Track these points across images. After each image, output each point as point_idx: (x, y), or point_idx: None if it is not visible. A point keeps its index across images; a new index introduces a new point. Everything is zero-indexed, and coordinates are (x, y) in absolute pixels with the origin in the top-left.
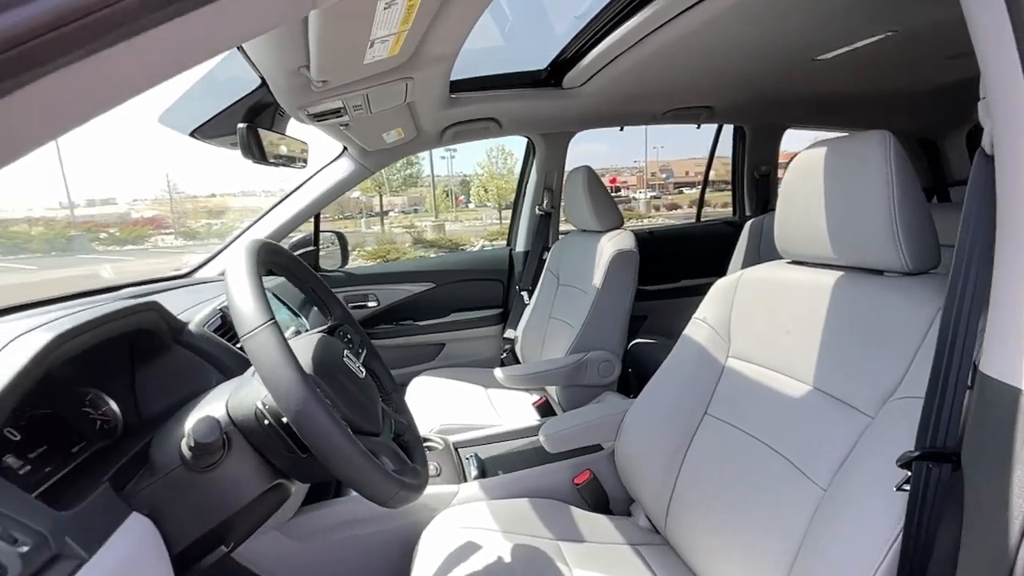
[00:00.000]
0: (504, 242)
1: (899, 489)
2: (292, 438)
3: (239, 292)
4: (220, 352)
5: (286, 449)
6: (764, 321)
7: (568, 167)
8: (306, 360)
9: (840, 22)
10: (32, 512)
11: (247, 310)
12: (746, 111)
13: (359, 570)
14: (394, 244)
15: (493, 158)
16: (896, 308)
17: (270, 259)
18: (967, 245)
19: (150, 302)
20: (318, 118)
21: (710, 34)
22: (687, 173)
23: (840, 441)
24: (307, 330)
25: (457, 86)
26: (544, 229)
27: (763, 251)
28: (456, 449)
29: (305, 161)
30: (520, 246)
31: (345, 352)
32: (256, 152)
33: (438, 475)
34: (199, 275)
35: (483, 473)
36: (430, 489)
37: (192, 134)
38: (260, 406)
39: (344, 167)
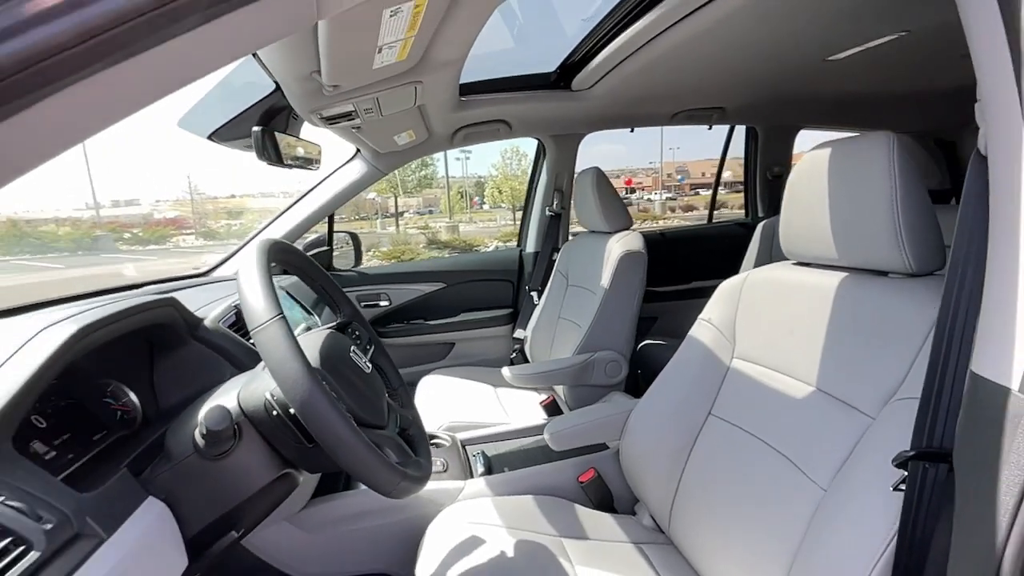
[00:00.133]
0: (517, 242)
1: (896, 489)
2: (299, 428)
3: (250, 288)
4: (234, 347)
5: (294, 439)
6: (769, 322)
7: (584, 168)
8: (313, 354)
9: (850, 22)
10: (56, 493)
11: (257, 305)
12: (758, 112)
13: (366, 561)
14: (408, 245)
15: (507, 159)
16: (898, 309)
17: (282, 258)
18: (963, 247)
19: (168, 298)
20: (330, 121)
21: (719, 35)
22: (703, 174)
23: (841, 442)
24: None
25: (467, 89)
26: (554, 230)
27: (775, 253)
28: (463, 446)
29: (319, 163)
30: (530, 247)
31: (352, 348)
32: (271, 154)
33: (445, 471)
34: (216, 274)
35: (489, 470)
36: (437, 484)
37: (210, 137)
38: (269, 397)
39: (357, 169)
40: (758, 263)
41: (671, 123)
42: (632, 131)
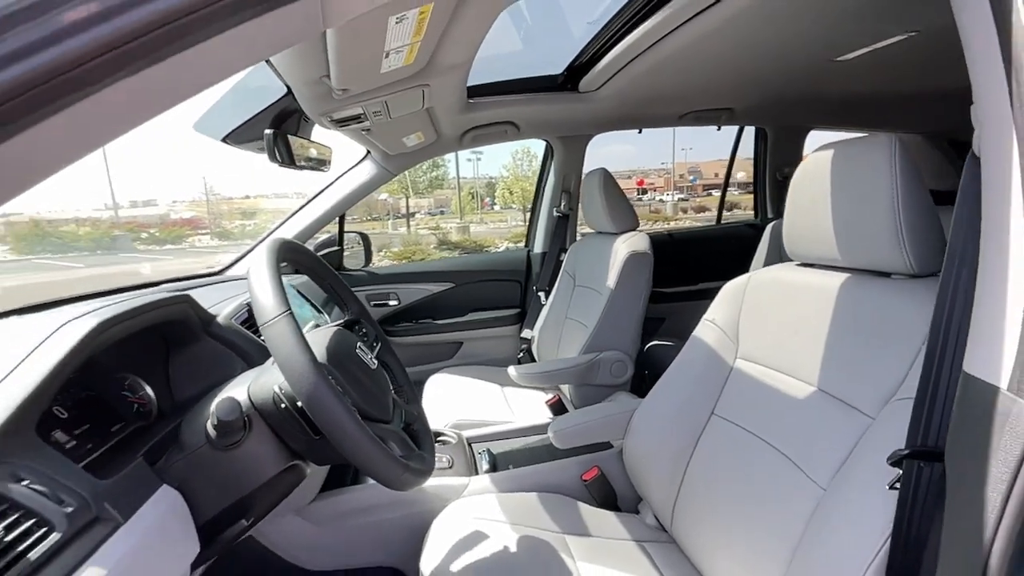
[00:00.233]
0: (525, 243)
1: (891, 487)
2: (306, 421)
3: (259, 286)
4: (245, 343)
5: (301, 431)
6: (772, 323)
7: (603, 167)
8: (320, 350)
9: (859, 23)
10: (77, 479)
11: (266, 302)
12: (767, 113)
13: (372, 554)
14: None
15: (518, 160)
16: (898, 310)
17: (291, 257)
18: (958, 247)
19: (183, 296)
20: (340, 124)
21: (725, 36)
22: (716, 175)
23: (841, 441)
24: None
25: (475, 91)
26: (561, 231)
27: (784, 254)
28: (469, 443)
29: (329, 164)
30: (538, 247)
31: (358, 344)
32: (282, 156)
33: (450, 467)
34: (229, 273)
35: (494, 467)
36: (442, 480)
37: (224, 139)
38: (277, 390)
39: (367, 170)
40: (767, 264)
41: (679, 124)
42: (640, 132)
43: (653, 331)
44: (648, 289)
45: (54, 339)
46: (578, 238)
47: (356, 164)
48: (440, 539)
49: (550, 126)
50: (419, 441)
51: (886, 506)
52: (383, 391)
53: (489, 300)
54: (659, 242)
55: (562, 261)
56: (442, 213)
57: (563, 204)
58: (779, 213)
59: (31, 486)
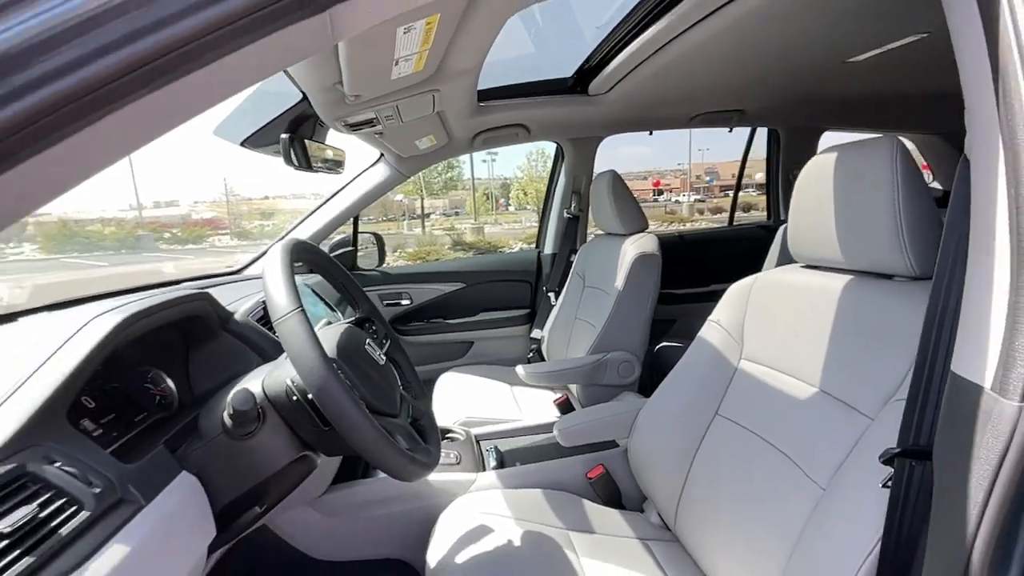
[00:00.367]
0: (536, 244)
1: (884, 486)
2: (316, 413)
3: (273, 284)
4: (261, 339)
5: (311, 423)
6: (776, 324)
7: (612, 169)
8: (331, 346)
9: (868, 24)
10: (104, 463)
11: (279, 299)
12: (778, 114)
13: (380, 545)
14: (434, 246)
15: (533, 161)
16: (898, 312)
17: (305, 257)
18: (950, 249)
19: (202, 293)
20: (354, 128)
21: (733, 38)
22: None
23: (840, 442)
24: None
25: (486, 95)
26: (572, 232)
27: None
28: (477, 440)
29: (343, 166)
30: (548, 248)
31: (367, 341)
32: (299, 159)
33: (458, 463)
34: (247, 272)
35: (501, 464)
36: (450, 475)
37: (243, 144)
38: (290, 383)
39: (381, 172)
40: (779, 266)
41: (689, 126)
42: (651, 134)
43: (663, 332)
44: (656, 290)
45: (83, 333)
46: (588, 239)
47: (370, 166)
48: (446, 532)
49: (560, 128)
50: (425, 436)
51: (880, 505)
52: (391, 386)
53: (500, 300)
54: (670, 244)
55: (572, 262)
56: (457, 214)
57: (573, 205)
58: None
59: (63, 468)
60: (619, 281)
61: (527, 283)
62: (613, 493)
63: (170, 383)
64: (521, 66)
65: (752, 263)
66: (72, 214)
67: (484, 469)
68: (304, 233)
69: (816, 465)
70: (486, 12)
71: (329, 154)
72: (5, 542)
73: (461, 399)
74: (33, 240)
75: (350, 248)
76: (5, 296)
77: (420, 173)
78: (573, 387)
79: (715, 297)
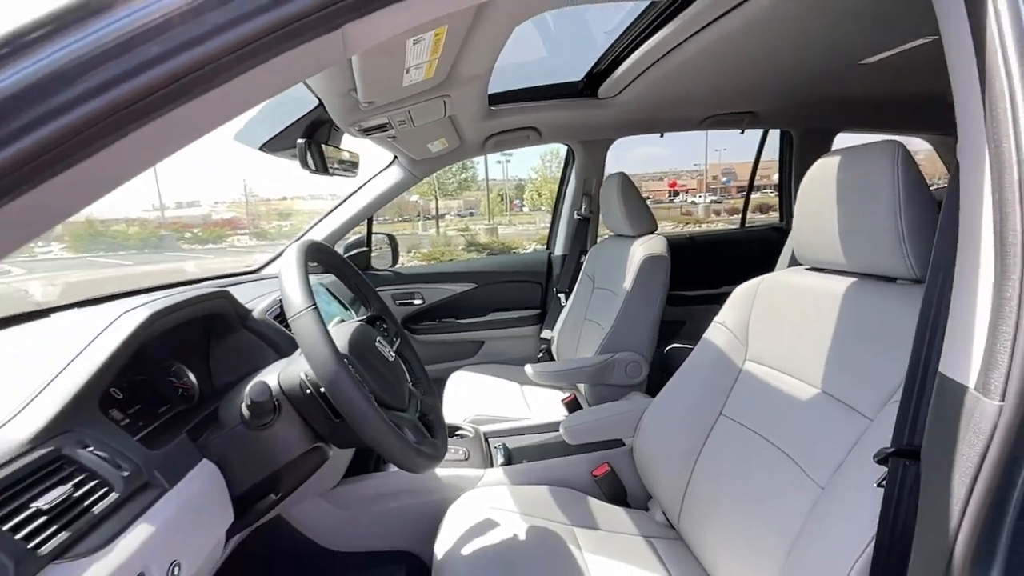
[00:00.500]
0: (547, 245)
1: (879, 485)
2: (328, 406)
3: (289, 283)
4: (278, 336)
5: (324, 415)
6: (780, 326)
7: (627, 169)
8: (342, 342)
9: (881, 25)
10: (132, 449)
11: (294, 297)
12: (791, 115)
13: (390, 537)
14: (448, 247)
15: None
16: (898, 314)
17: (319, 257)
18: (942, 251)
19: (222, 291)
20: (367, 132)
21: (743, 40)
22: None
23: (841, 442)
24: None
25: (497, 98)
26: (582, 233)
27: None
28: (486, 437)
29: (357, 169)
30: (559, 249)
31: (378, 338)
32: (315, 163)
33: (466, 459)
34: (265, 271)
35: (509, 460)
36: (458, 471)
37: (261, 148)
38: (304, 377)
39: (394, 175)
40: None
41: (700, 128)
42: (662, 136)
43: (673, 334)
44: (664, 291)
45: (113, 328)
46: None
47: (384, 169)
48: (454, 526)
49: (571, 131)
50: (433, 430)
51: (875, 503)
52: (400, 381)
53: (510, 301)
54: (681, 245)
55: (582, 263)
56: (471, 215)
57: (584, 207)
58: None
59: (95, 452)
60: (627, 282)
61: (538, 284)
62: (618, 491)
63: (192, 376)
64: (534, 70)
65: (764, 265)
66: (97, 214)
67: (492, 465)
68: (320, 234)
69: (816, 465)
70: (492, 23)
71: (345, 156)
72: (44, 518)
73: (471, 397)
74: (61, 240)
75: (364, 248)
76: (38, 293)
77: (435, 174)
78: (581, 387)
79: (725, 299)
